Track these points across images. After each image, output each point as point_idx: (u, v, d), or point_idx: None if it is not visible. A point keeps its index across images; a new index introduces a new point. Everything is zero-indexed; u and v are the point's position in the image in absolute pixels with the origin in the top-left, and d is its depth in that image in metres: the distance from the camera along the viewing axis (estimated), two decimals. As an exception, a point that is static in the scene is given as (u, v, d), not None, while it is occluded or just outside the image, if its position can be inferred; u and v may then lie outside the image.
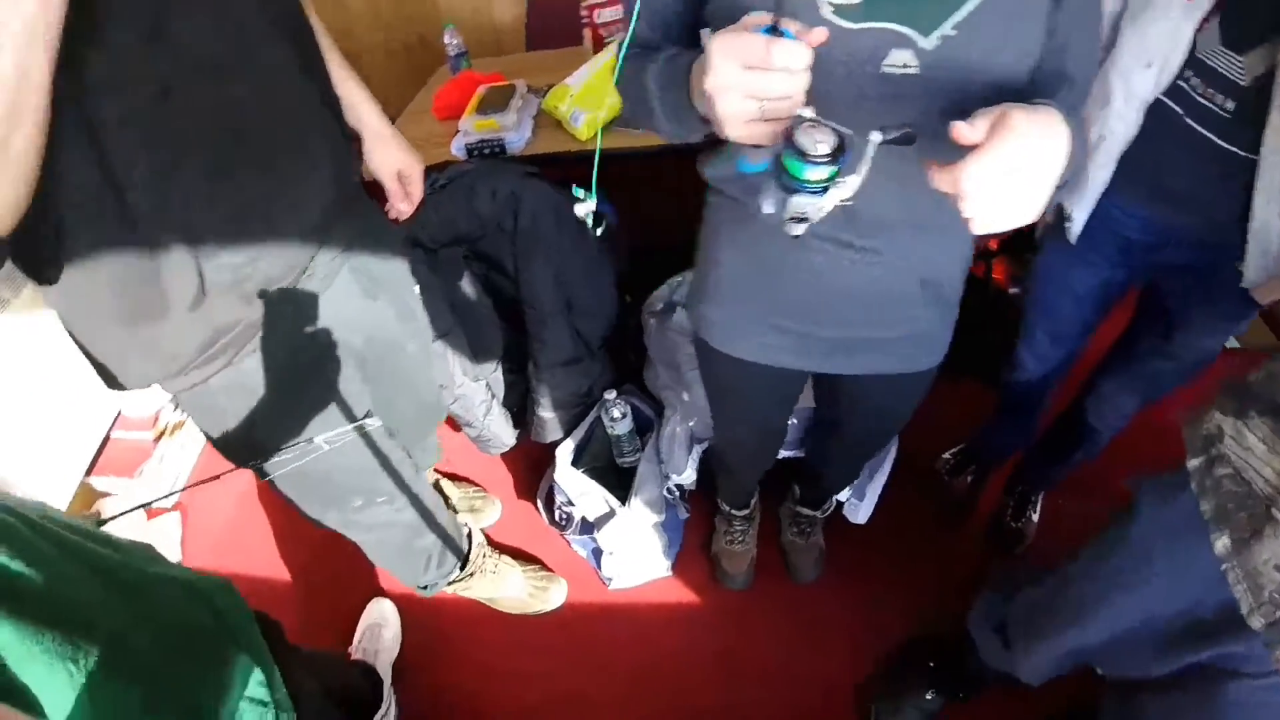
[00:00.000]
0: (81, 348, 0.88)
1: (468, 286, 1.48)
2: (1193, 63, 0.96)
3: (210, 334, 0.87)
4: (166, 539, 1.97)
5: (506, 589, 1.65)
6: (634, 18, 0.74)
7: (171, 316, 0.82)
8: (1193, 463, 0.87)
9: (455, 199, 1.18)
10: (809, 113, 0.54)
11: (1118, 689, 1.12)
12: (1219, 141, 0.97)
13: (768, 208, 0.58)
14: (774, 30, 0.53)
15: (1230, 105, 0.94)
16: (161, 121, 0.71)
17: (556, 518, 1.71)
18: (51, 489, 1.92)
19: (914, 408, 1.18)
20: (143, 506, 0.98)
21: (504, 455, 1.87)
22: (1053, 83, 0.72)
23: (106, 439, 2.09)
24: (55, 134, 0.62)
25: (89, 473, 2.02)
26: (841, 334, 0.94)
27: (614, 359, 1.77)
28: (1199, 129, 0.98)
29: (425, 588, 1.47)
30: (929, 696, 1.44)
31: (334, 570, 1.79)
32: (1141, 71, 1.01)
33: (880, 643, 1.59)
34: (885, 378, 1.01)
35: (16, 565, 0.56)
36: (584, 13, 1.99)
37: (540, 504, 1.82)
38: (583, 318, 1.57)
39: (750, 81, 0.54)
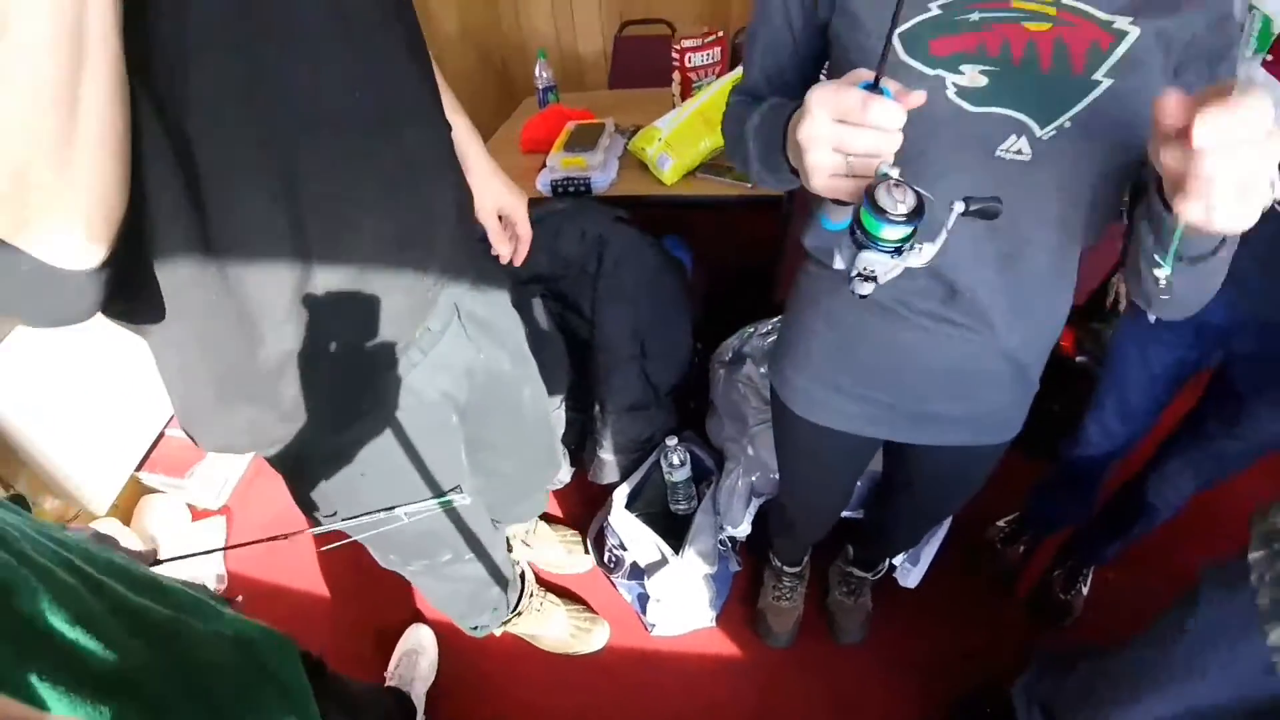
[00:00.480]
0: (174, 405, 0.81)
1: (542, 322, 1.51)
2: None
3: (315, 403, 0.81)
4: (211, 541, 2.01)
5: (550, 628, 1.66)
6: (750, 63, 0.80)
7: (271, 382, 0.76)
8: (1255, 555, 0.90)
9: (542, 238, 1.20)
10: (894, 172, 0.54)
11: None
12: None
13: (839, 263, 0.59)
14: (873, 87, 0.53)
15: None
16: (246, 116, 0.62)
17: (606, 559, 1.72)
18: (101, 480, 1.95)
19: (984, 478, 1.18)
20: (192, 556, 0.95)
21: (556, 492, 1.89)
22: None
23: (160, 435, 2.13)
24: (143, 148, 0.55)
25: (140, 467, 2.07)
26: (924, 407, 0.95)
27: (678, 405, 1.78)
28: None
29: (476, 628, 1.47)
30: (971, 764, 1.42)
31: (375, 589, 1.81)
32: None
33: (922, 710, 1.57)
34: (959, 448, 1.01)
35: (77, 635, 0.55)
36: (675, 55, 2.02)
37: (590, 543, 1.82)
38: (654, 365, 1.59)
39: (841, 135, 0.54)
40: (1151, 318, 1.27)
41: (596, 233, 1.48)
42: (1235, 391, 1.27)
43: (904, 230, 0.54)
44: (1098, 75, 0.65)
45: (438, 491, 1.00)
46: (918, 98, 0.55)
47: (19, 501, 0.70)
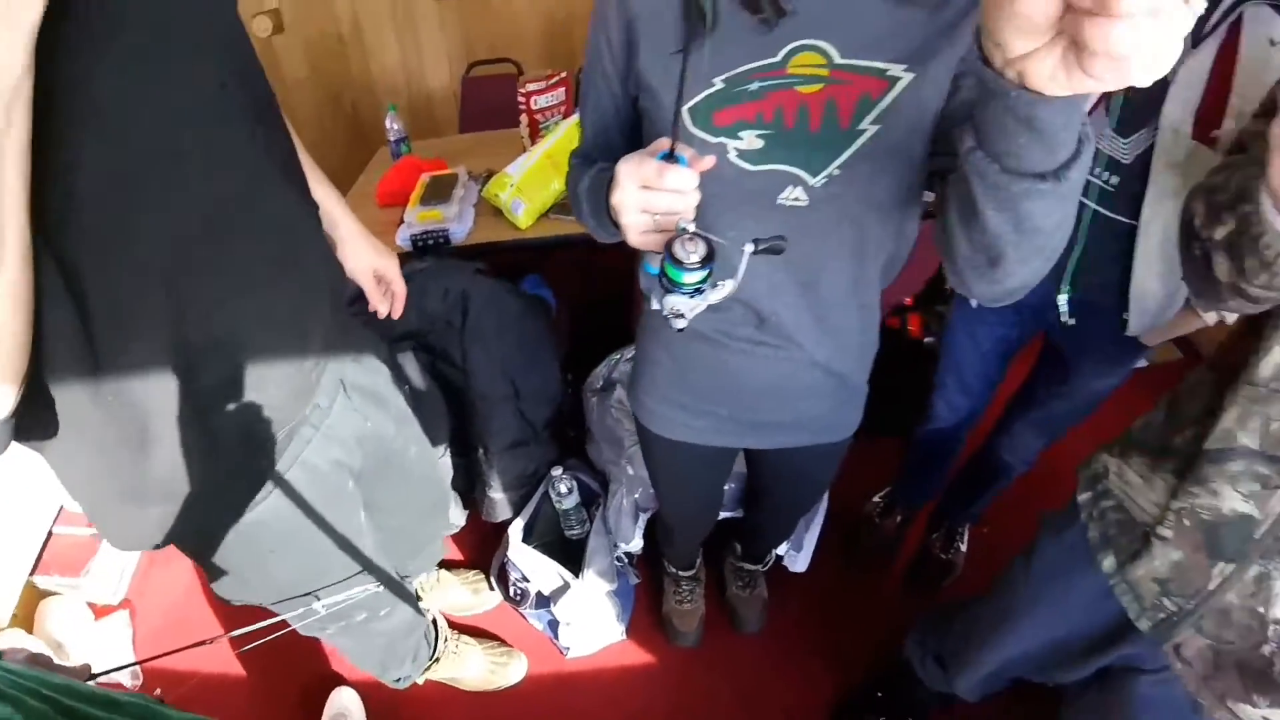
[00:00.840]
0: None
1: (417, 377, 1.56)
2: None
3: (215, 489, 0.85)
4: (117, 637, 1.96)
5: (469, 668, 1.71)
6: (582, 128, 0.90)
7: (171, 479, 0.79)
8: (1082, 496, 1.03)
9: (408, 297, 1.26)
10: (691, 226, 0.64)
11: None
12: (1104, 211, 1.14)
13: (654, 304, 0.70)
14: (670, 156, 0.64)
15: (1114, 180, 1.12)
16: (130, 243, 0.67)
17: (512, 593, 1.78)
18: None
19: (832, 473, 1.32)
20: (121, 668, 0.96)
21: (454, 536, 1.94)
22: None
23: (49, 536, 2.06)
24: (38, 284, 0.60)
25: (34, 571, 2.00)
26: (758, 417, 1.06)
27: (557, 436, 1.87)
28: (1086, 201, 1.15)
29: (399, 680, 1.51)
30: (880, 724, 1.56)
31: (291, 658, 1.81)
32: None
33: (829, 681, 1.71)
34: (801, 449, 1.13)
35: None
36: (521, 99, 2.10)
37: (494, 580, 1.88)
38: (528, 403, 1.67)
39: (645, 199, 0.65)
40: (973, 303, 1.45)
41: (459, 288, 1.56)
42: (1060, 358, 1.46)
43: (699, 275, 0.64)
44: (863, 125, 0.75)
45: (344, 559, 1.06)
46: (707, 162, 0.66)
47: None
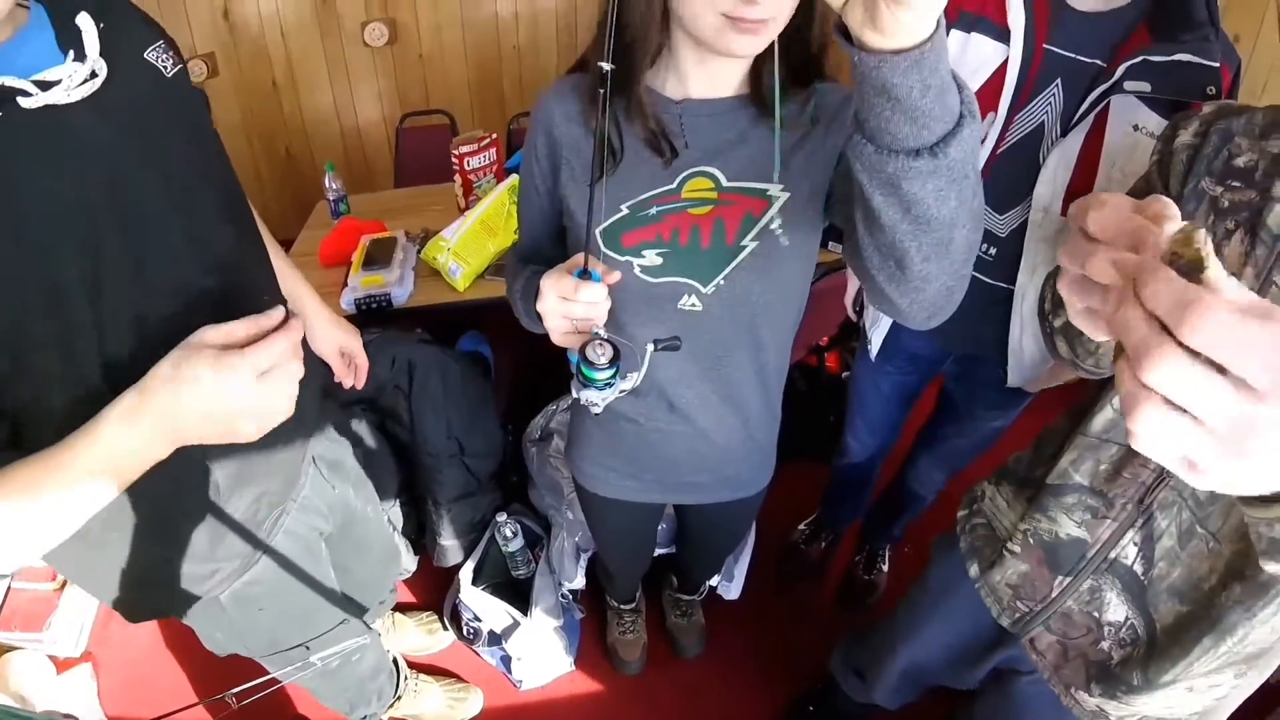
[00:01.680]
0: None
1: (368, 439, 1.69)
2: None
3: (217, 566, 0.98)
4: (81, 690, 2.00)
5: (428, 705, 1.82)
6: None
7: (185, 565, 0.94)
8: (961, 513, 1.22)
9: None
10: (603, 332, 0.78)
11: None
12: (984, 279, 1.32)
13: (574, 392, 0.83)
14: (584, 273, 0.77)
15: (993, 251, 1.29)
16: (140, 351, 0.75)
17: (465, 632, 1.91)
18: None
19: (750, 522, 1.50)
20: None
21: (406, 581, 2.05)
22: None
23: (8, 590, 2.09)
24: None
25: None
26: (680, 479, 1.21)
27: (501, 484, 2.01)
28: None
29: (365, 718, 1.60)
30: (813, 738, 1.72)
31: (255, 705, 1.89)
32: None
33: (767, 700, 1.87)
34: (719, 504, 1.28)
35: None
36: (454, 159, 2.23)
37: (447, 621, 2.00)
38: (473, 458, 1.81)
39: (564, 308, 0.78)
40: (872, 356, 1.63)
41: (405, 356, 1.71)
42: (954, 402, 1.66)
43: (608, 373, 0.79)
44: (745, 241, 0.89)
45: (324, 611, 1.21)
46: (614, 277, 0.81)
47: None
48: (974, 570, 1.14)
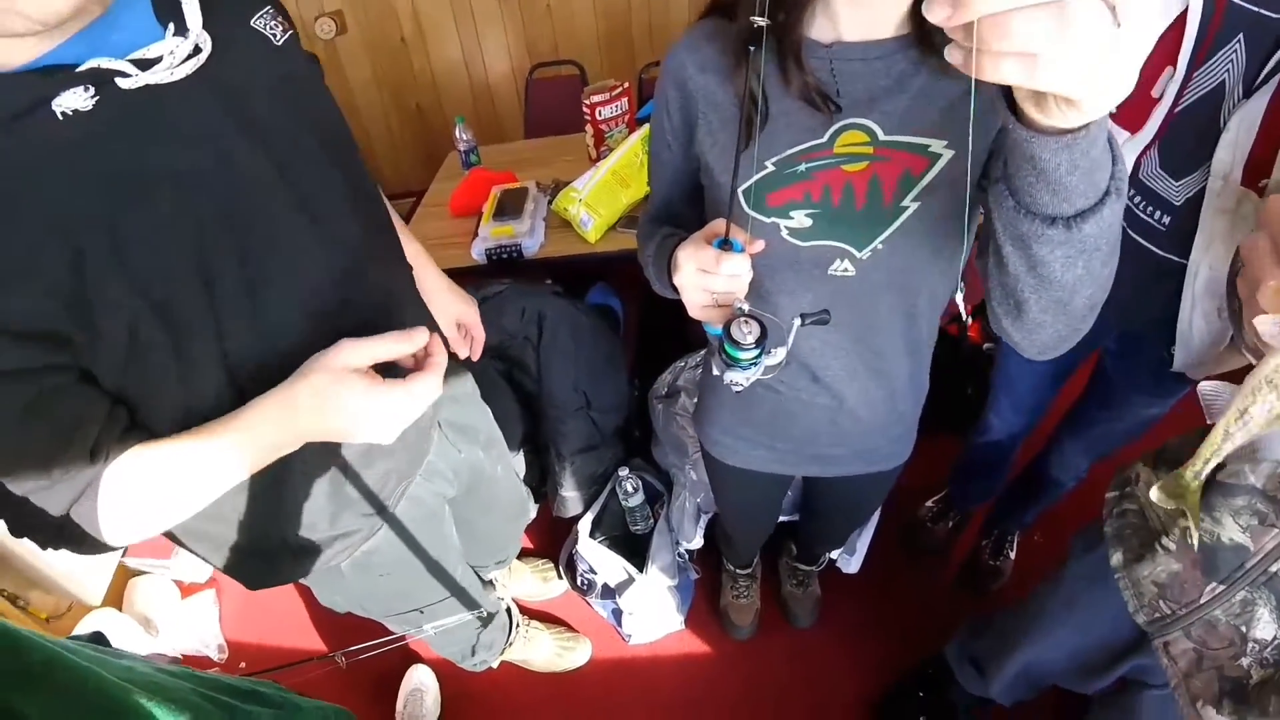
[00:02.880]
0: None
1: (494, 382, 1.72)
2: (1136, 184, 1.21)
3: (338, 537, 1.00)
4: (204, 615, 2.16)
5: (538, 651, 1.89)
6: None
7: (308, 537, 0.96)
8: (1110, 494, 1.14)
9: (488, 315, 1.40)
10: (745, 307, 0.74)
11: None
12: (1156, 250, 1.22)
13: (715, 370, 0.82)
14: (725, 243, 0.73)
15: (1166, 220, 1.19)
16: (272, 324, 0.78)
17: (579, 583, 1.95)
18: (89, 571, 2.08)
19: (883, 496, 1.44)
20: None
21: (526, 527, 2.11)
22: None
23: None
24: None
25: (125, 553, 2.20)
26: (815, 450, 1.17)
27: (624, 439, 2.03)
28: (1139, 240, 1.23)
29: (476, 665, 1.67)
30: (920, 723, 1.68)
31: (368, 636, 2.00)
32: None
33: (875, 679, 1.83)
34: (853, 477, 1.23)
35: None
36: (585, 109, 2.23)
37: (563, 570, 2.05)
38: (599, 412, 1.83)
39: (703, 281, 0.75)
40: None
41: (536, 308, 1.74)
42: (1110, 382, 1.54)
43: (754, 352, 0.74)
44: (905, 202, 0.81)
45: (444, 573, 1.23)
46: (758, 246, 0.77)
47: (98, 640, 0.90)
48: (1117, 559, 1.07)
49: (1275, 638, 0.88)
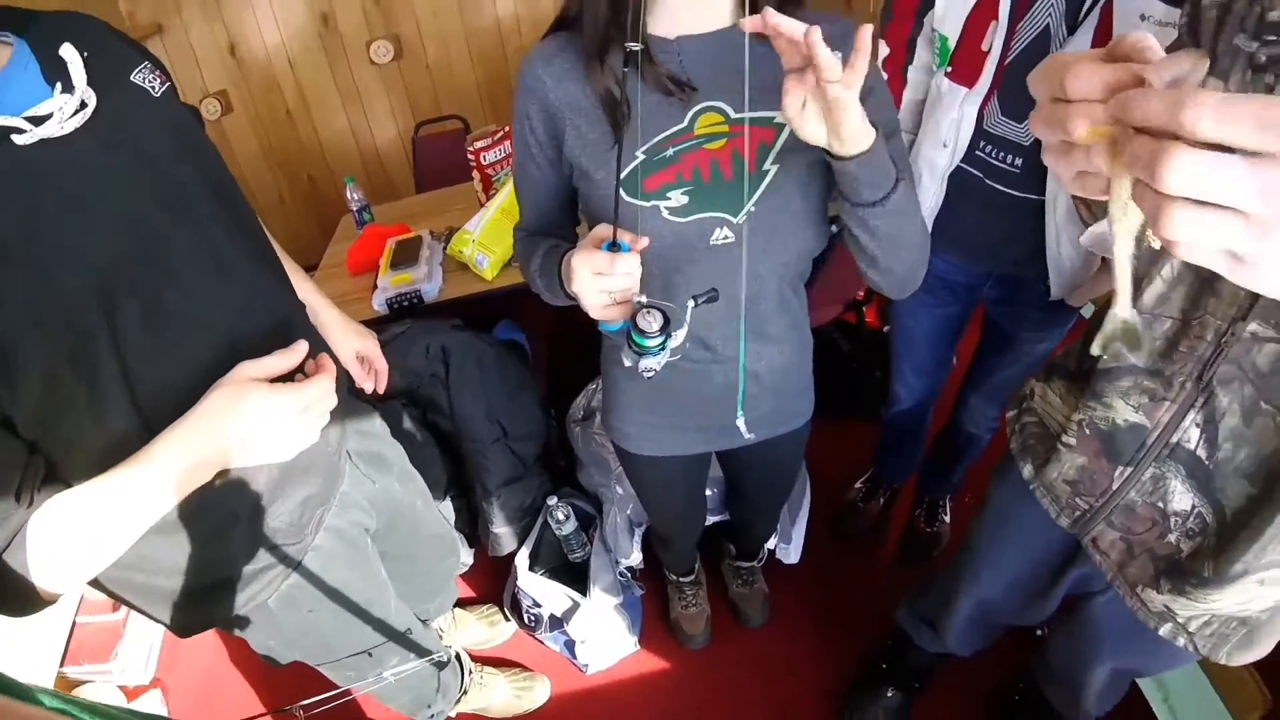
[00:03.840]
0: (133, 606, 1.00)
1: (411, 430, 1.74)
2: (983, 135, 1.31)
3: (261, 570, 1.02)
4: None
5: (495, 697, 1.87)
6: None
7: (231, 572, 0.97)
8: (1010, 413, 1.20)
9: (393, 359, 1.43)
10: (643, 299, 0.84)
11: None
12: (1013, 193, 1.31)
13: (627, 361, 0.88)
14: (614, 245, 0.81)
15: (1019, 162, 1.29)
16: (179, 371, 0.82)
17: (526, 620, 1.95)
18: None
19: (799, 458, 1.51)
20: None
21: (464, 575, 2.10)
22: None
23: (74, 626, 2.18)
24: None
25: (63, 662, 2.11)
26: (721, 420, 1.21)
27: (549, 468, 2.05)
28: (996, 186, 1.32)
29: (431, 716, 1.65)
30: (890, 694, 1.74)
31: (324, 714, 1.96)
32: (940, 150, 1.38)
33: (837, 665, 1.87)
34: (765, 441, 1.29)
35: None
36: (470, 155, 2.29)
37: (508, 611, 2.05)
38: (517, 441, 1.85)
39: (601, 283, 0.82)
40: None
41: (439, 344, 1.77)
42: (999, 329, 1.65)
43: (661, 338, 0.84)
44: (766, 166, 0.94)
45: (378, 611, 1.24)
46: (644, 242, 0.84)
47: None
48: (1028, 470, 1.12)
49: (1194, 506, 0.91)
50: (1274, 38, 0.77)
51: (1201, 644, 0.98)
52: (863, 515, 2.19)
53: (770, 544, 1.97)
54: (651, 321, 0.83)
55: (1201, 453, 0.88)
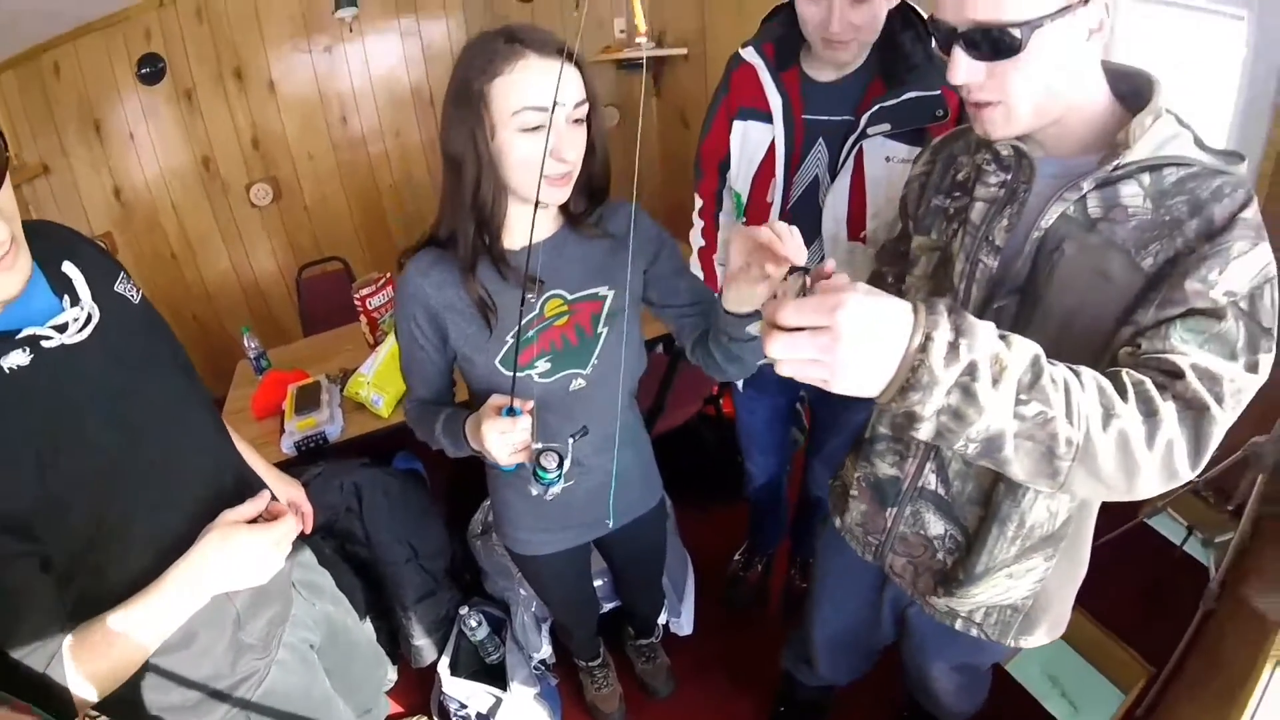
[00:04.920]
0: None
1: (332, 558, 1.95)
2: None
3: (239, 681, 1.18)
4: None
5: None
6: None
7: (216, 684, 1.14)
8: (832, 483, 1.49)
9: (310, 498, 1.62)
10: (539, 445, 1.13)
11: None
12: None
13: (534, 491, 1.16)
14: (511, 410, 1.10)
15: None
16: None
17: (454, 723, 2.14)
18: None
19: (663, 534, 1.80)
20: None
21: (391, 693, 2.27)
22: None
23: None
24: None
25: None
26: (595, 516, 1.50)
27: (457, 581, 2.30)
28: None
29: None
30: (794, 733, 1.99)
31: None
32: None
33: (740, 715, 2.13)
34: (632, 523, 1.59)
35: None
36: (357, 302, 2.55)
37: (436, 718, 2.22)
38: (426, 559, 2.10)
39: (507, 439, 1.10)
40: (739, 385, 1.98)
41: (351, 480, 2.02)
42: (819, 407, 2.02)
43: (558, 472, 1.13)
44: (599, 329, 1.27)
45: (333, 715, 1.44)
46: (530, 404, 1.12)
47: None
48: (837, 522, 1.42)
49: (945, 530, 1.19)
50: (958, 193, 1.11)
51: (990, 631, 1.24)
52: (745, 583, 2.49)
53: (663, 619, 2.24)
54: (551, 459, 1.12)
55: (940, 491, 1.18)
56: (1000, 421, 0.73)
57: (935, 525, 1.21)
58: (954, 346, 0.70)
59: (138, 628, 0.95)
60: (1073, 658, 2.04)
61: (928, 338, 0.69)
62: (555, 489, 1.15)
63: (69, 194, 3.57)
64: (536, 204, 1.09)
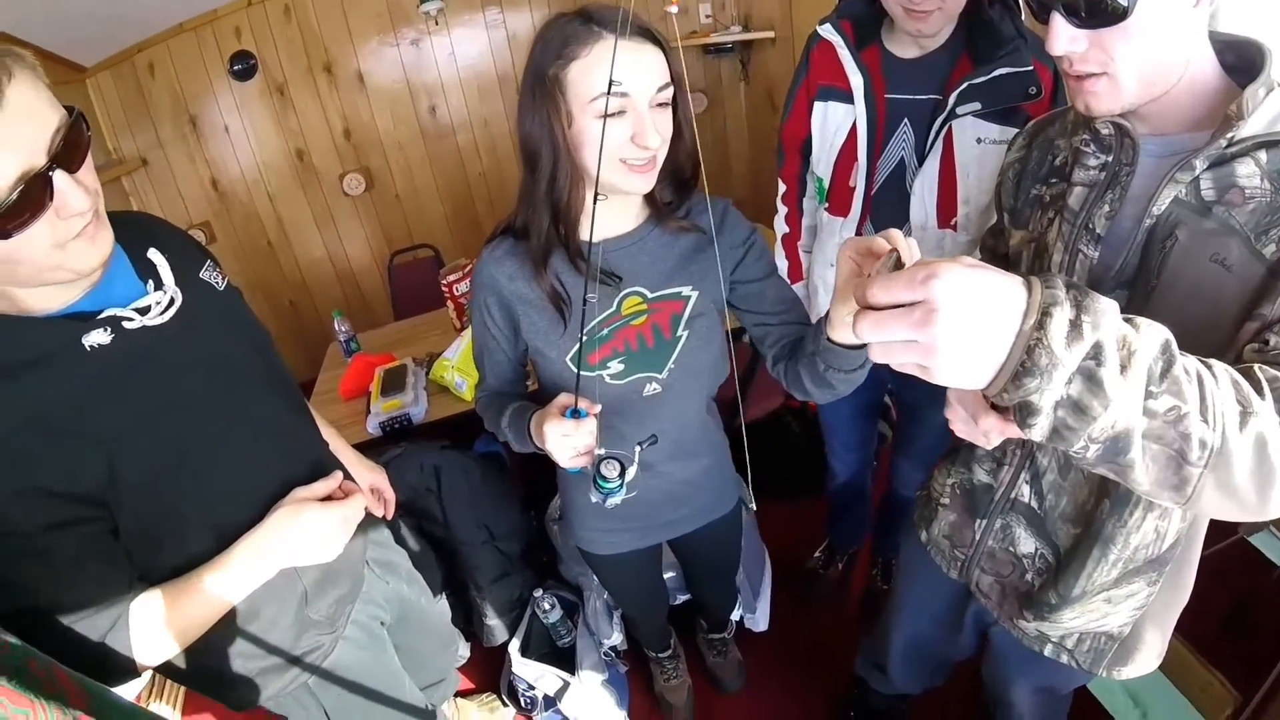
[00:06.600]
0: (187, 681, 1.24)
1: (410, 540, 2.05)
2: None
3: (304, 655, 1.23)
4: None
5: (499, 775, 2.12)
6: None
7: (281, 656, 1.20)
8: (919, 493, 1.45)
9: (391, 477, 1.71)
10: (602, 451, 1.09)
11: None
12: None
13: (594, 498, 1.12)
14: (576, 413, 1.07)
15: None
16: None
17: (523, 703, 2.22)
18: None
19: (736, 539, 1.82)
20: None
21: (463, 668, 2.37)
22: (799, 325, 1.25)
23: None
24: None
25: None
26: (665, 519, 1.53)
27: (532, 564, 2.37)
28: None
29: None
30: (861, 740, 1.98)
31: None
32: (829, 269, 1.73)
33: (809, 716, 2.13)
34: (703, 528, 1.59)
35: None
36: (444, 288, 2.67)
37: (505, 697, 2.31)
38: (503, 541, 2.18)
39: (570, 443, 1.07)
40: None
41: (432, 462, 2.12)
42: (906, 404, 2.00)
43: (620, 481, 1.09)
44: (679, 332, 1.23)
45: (397, 692, 1.50)
46: (597, 408, 1.08)
47: None
48: (923, 535, 1.38)
49: (1036, 549, 1.13)
50: (1055, 180, 1.06)
51: (1082, 659, 1.18)
52: (825, 580, 2.49)
53: (737, 615, 2.26)
54: (612, 468, 1.08)
55: (1034, 504, 1.13)
56: (1128, 417, 0.63)
57: (1026, 542, 1.16)
58: (1075, 325, 0.60)
59: (206, 594, 1.01)
60: (1156, 677, 1.95)
61: (1045, 313, 0.59)
62: (615, 499, 1.11)
63: (167, 186, 3.83)
64: (596, 193, 1.05)
